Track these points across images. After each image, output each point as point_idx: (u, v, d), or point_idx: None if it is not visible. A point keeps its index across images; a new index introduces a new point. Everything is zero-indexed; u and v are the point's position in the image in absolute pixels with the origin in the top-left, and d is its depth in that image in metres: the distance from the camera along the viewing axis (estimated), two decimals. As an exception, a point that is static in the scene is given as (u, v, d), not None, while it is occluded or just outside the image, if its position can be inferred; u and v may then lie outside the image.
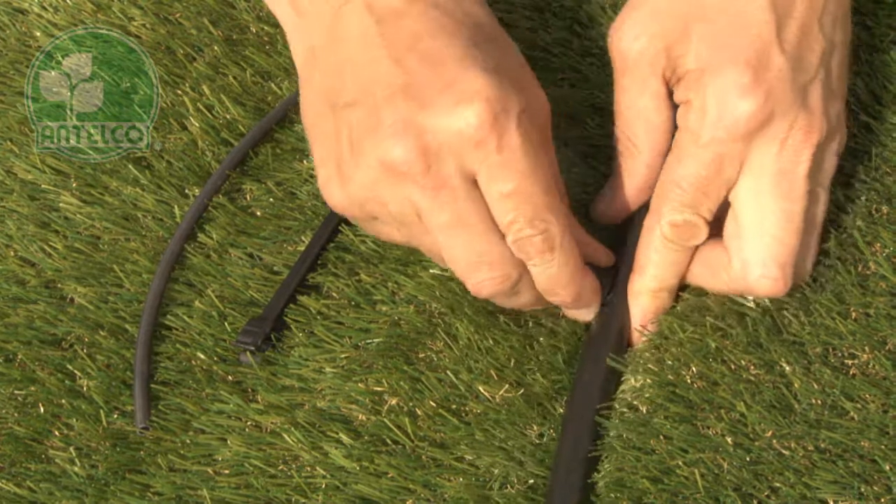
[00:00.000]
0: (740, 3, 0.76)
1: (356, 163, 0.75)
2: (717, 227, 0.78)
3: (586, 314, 0.81)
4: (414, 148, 0.74)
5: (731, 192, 0.76)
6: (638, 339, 0.79)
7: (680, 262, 0.79)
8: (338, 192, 0.77)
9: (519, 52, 0.80)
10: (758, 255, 0.76)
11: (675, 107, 0.78)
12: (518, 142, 0.74)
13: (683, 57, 0.76)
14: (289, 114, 0.92)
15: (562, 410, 0.78)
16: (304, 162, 0.90)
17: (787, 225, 0.76)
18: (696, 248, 0.78)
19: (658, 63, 0.77)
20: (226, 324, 0.84)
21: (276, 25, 0.89)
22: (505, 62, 0.77)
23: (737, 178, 0.76)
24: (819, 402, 0.75)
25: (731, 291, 0.78)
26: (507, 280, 0.76)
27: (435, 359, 0.81)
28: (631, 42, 0.78)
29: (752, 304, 0.78)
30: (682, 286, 0.80)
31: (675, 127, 0.78)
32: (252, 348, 0.82)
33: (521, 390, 0.79)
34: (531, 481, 0.77)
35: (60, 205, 0.91)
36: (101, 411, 0.83)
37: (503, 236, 0.76)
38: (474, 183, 0.75)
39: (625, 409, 0.77)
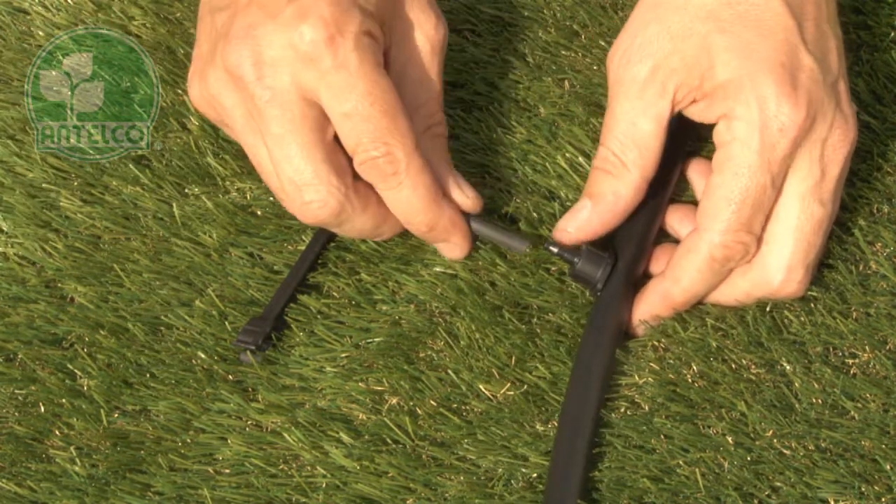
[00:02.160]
0: (757, 11, 0.75)
1: (212, 63, 0.78)
2: None
3: (451, 250, 0.82)
4: (249, 56, 0.76)
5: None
6: (638, 327, 0.79)
7: (717, 281, 0.78)
8: (195, 90, 0.80)
9: None
10: (784, 258, 0.75)
11: (678, 128, 0.78)
12: (355, 61, 0.76)
13: (710, 69, 0.75)
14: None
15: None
16: (305, 161, 0.90)
17: (818, 227, 0.76)
18: None
19: (670, 84, 0.76)
20: (226, 323, 0.84)
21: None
22: None
23: (782, 186, 0.75)
24: (820, 401, 0.75)
25: (748, 298, 0.78)
26: (326, 206, 0.78)
27: (436, 358, 0.81)
28: (637, 64, 0.77)
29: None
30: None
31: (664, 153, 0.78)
32: (252, 347, 0.82)
33: (523, 388, 0.79)
34: (533, 480, 0.77)
35: (61, 204, 0.91)
36: (102, 411, 0.83)
37: (335, 162, 0.77)
38: (313, 103, 0.77)
39: (627, 405, 0.77)
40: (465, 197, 0.81)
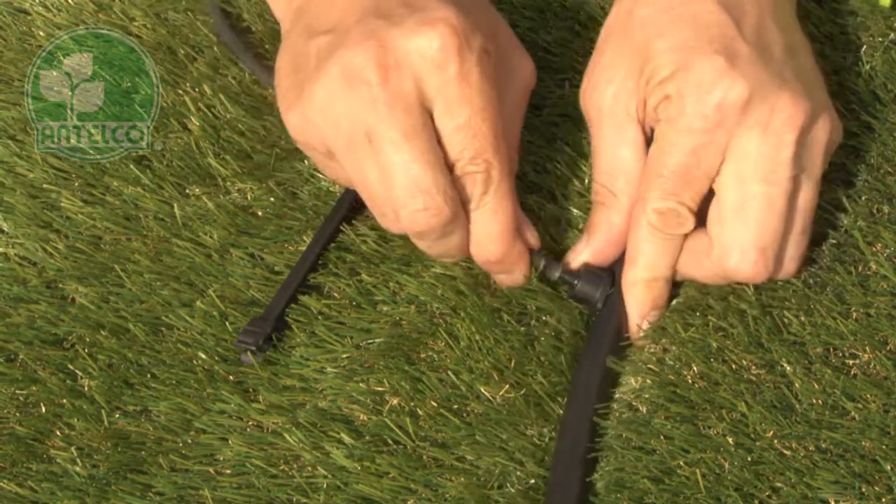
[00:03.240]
0: (692, 11, 0.76)
1: (318, 76, 0.76)
2: (704, 216, 0.78)
3: (510, 279, 0.82)
4: (374, 57, 0.75)
5: (716, 180, 0.76)
6: (636, 332, 0.80)
7: (669, 252, 0.79)
8: (295, 117, 0.78)
9: (506, 23, 0.82)
10: (738, 239, 0.76)
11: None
12: (476, 76, 0.76)
13: (655, 70, 0.76)
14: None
15: (562, 411, 0.78)
16: (305, 162, 0.90)
17: (769, 209, 0.75)
18: (685, 237, 0.78)
19: (631, 106, 0.78)
20: (227, 324, 0.84)
21: (277, 24, 0.89)
22: (484, 17, 0.79)
23: (720, 166, 0.76)
24: (820, 402, 0.75)
25: (714, 278, 0.79)
26: (441, 214, 0.77)
27: (436, 359, 0.81)
28: (604, 90, 0.78)
29: (751, 298, 0.78)
30: (678, 282, 0.80)
31: None
32: (253, 348, 0.82)
33: (522, 391, 0.79)
34: (532, 481, 0.77)
35: (61, 204, 0.91)
36: (103, 411, 0.83)
37: (448, 172, 0.77)
38: (430, 113, 0.76)
39: (625, 410, 0.77)
40: (530, 236, 0.82)
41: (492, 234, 0.79)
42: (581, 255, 0.81)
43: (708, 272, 0.78)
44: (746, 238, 0.76)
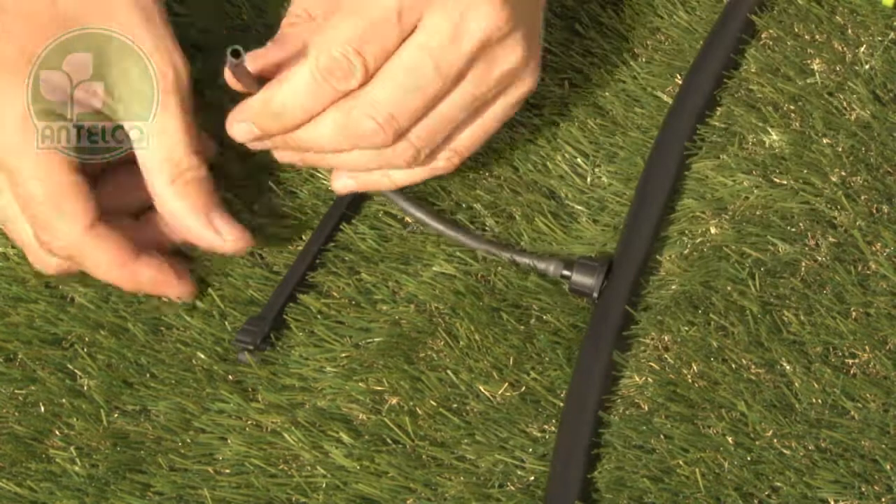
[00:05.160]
0: None
1: None
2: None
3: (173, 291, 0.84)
4: None
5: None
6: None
7: (316, 101, 0.78)
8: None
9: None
10: (380, 98, 0.77)
11: None
12: (28, 144, 0.81)
13: None
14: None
15: (562, 405, 0.78)
16: (305, 161, 0.90)
17: (419, 85, 0.77)
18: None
19: None
20: (226, 323, 0.84)
21: (277, 24, 0.89)
22: None
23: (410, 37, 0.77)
24: (820, 401, 0.75)
25: (345, 132, 0.78)
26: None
27: (435, 358, 0.81)
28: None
29: (752, 292, 0.78)
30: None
31: None
32: (251, 347, 0.82)
33: (522, 389, 0.79)
34: (532, 479, 0.77)
35: (61, 204, 0.91)
36: (102, 411, 0.83)
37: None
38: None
39: (627, 406, 0.77)
40: (223, 240, 0.83)
41: (105, 276, 0.83)
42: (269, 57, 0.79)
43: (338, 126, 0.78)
44: (386, 99, 0.77)
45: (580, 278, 0.80)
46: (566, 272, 0.81)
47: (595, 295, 0.80)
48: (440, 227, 0.84)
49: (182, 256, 0.86)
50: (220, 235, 0.83)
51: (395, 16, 0.76)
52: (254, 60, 0.79)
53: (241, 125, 0.81)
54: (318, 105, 0.79)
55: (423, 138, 0.79)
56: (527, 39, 0.79)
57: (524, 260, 0.83)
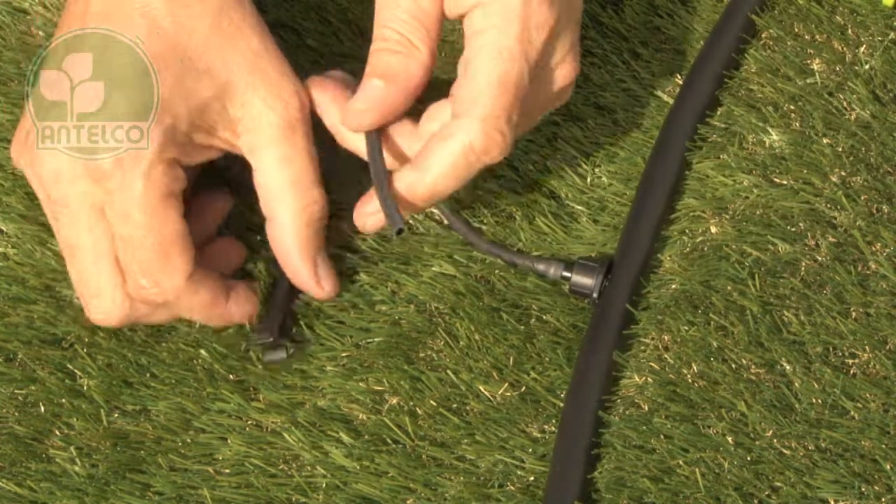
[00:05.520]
0: None
1: None
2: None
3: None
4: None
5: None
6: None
7: (466, 179, 0.77)
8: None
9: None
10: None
11: None
12: (140, 190, 0.78)
13: None
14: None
15: (562, 405, 0.78)
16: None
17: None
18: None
19: None
20: (227, 323, 0.85)
21: (277, 24, 0.89)
22: None
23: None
24: (820, 401, 0.75)
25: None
26: (110, 318, 0.80)
27: (435, 358, 0.81)
28: None
29: (752, 291, 0.78)
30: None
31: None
32: (270, 339, 0.81)
33: (521, 389, 0.79)
34: (532, 479, 0.77)
35: (61, 204, 0.91)
36: (102, 411, 0.83)
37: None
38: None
39: (627, 406, 0.77)
40: (321, 289, 0.82)
41: (200, 317, 0.81)
42: (376, 100, 0.77)
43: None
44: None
45: (580, 279, 0.81)
46: (566, 273, 0.81)
47: (595, 295, 0.80)
48: (463, 228, 0.83)
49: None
50: (320, 283, 0.82)
51: (527, 72, 0.75)
52: (373, 110, 0.77)
53: (374, 218, 0.79)
54: (465, 179, 0.77)
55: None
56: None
57: (524, 262, 0.83)
